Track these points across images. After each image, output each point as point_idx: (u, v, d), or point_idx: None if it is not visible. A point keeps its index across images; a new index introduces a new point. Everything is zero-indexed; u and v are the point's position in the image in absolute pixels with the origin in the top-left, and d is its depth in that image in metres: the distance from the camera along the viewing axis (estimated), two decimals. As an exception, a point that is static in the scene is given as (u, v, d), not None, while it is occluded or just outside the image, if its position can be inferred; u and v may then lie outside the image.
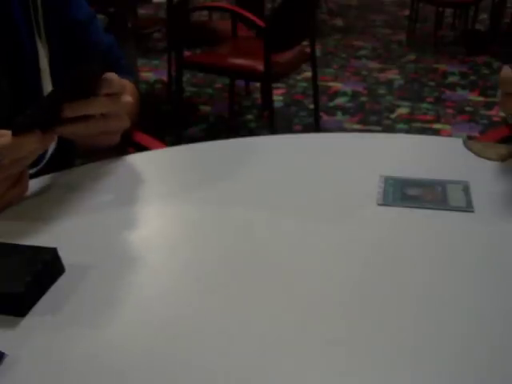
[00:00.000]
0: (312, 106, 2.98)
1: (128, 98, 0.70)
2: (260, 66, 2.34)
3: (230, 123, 3.02)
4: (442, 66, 3.87)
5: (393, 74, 3.75)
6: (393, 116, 3.10)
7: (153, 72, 3.76)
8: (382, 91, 3.46)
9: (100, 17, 1.00)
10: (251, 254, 0.59)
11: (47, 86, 0.87)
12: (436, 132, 2.90)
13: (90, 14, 0.96)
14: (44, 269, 0.53)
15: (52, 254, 0.54)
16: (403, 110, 3.17)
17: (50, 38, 0.88)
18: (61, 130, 0.65)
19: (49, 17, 0.87)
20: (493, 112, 3.12)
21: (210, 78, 3.59)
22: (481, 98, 3.32)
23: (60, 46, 0.90)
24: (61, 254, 0.55)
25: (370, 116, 3.10)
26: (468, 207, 0.66)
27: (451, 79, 3.65)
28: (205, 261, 0.58)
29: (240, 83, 3.24)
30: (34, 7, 0.85)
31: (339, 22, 5.06)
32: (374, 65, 3.95)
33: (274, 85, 3.09)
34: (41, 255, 0.54)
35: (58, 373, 0.44)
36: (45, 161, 0.79)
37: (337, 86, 3.55)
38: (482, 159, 0.77)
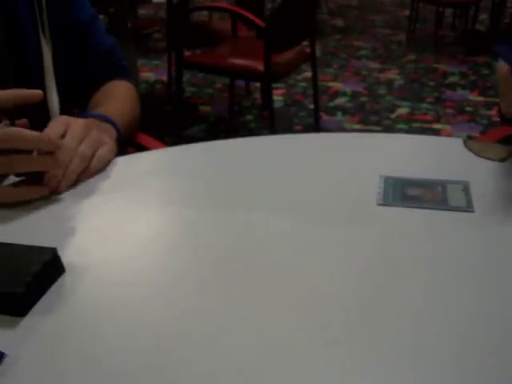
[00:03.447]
0: (312, 106, 2.98)
1: None
2: (260, 66, 2.34)
3: (230, 123, 3.02)
4: (442, 66, 3.87)
5: (393, 74, 3.74)
6: (393, 116, 3.10)
7: (153, 72, 3.76)
8: (381, 91, 3.46)
9: (100, 17, 1.00)
10: (251, 254, 0.59)
11: (50, 85, 0.87)
12: (436, 132, 2.90)
13: (93, 14, 0.96)
14: (44, 269, 0.52)
15: (52, 253, 0.54)
16: (403, 110, 3.17)
17: (53, 38, 0.88)
18: None
19: (53, 16, 0.87)
20: (493, 112, 3.11)
21: (210, 78, 3.59)
22: (481, 98, 3.32)
23: (63, 46, 0.90)
24: (61, 253, 0.55)
25: (370, 116, 3.10)
26: (468, 207, 0.66)
27: (451, 79, 3.65)
28: (205, 261, 0.58)
29: (240, 83, 3.24)
30: (40, 6, 0.85)
31: (339, 22, 5.06)
32: (374, 65, 3.94)
33: (274, 85, 3.09)
34: (41, 255, 0.54)
35: (58, 373, 0.44)
36: None
37: (337, 86, 3.55)
38: (482, 159, 0.77)
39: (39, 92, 0.65)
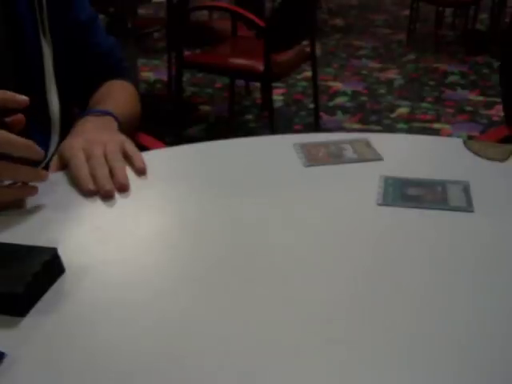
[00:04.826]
0: (312, 106, 2.98)
1: None
2: (260, 66, 2.34)
3: (230, 123, 3.02)
4: (442, 66, 3.87)
5: (393, 74, 3.74)
6: (393, 116, 3.10)
7: (153, 72, 3.76)
8: (382, 91, 3.45)
9: (100, 17, 0.99)
10: (251, 254, 0.59)
11: (50, 85, 0.87)
12: (436, 132, 2.90)
13: (93, 15, 0.96)
14: (44, 269, 0.52)
15: (52, 253, 0.54)
16: (403, 110, 3.17)
17: (54, 38, 0.88)
18: None
19: (53, 17, 0.87)
20: (493, 112, 3.11)
21: (210, 78, 3.58)
22: (481, 98, 3.32)
23: (63, 46, 0.90)
24: (61, 253, 0.55)
25: (370, 116, 3.10)
26: (468, 207, 0.66)
27: (451, 79, 3.64)
28: (205, 261, 0.58)
29: (240, 83, 3.24)
30: (40, 6, 0.85)
31: (339, 22, 5.05)
32: (374, 64, 3.94)
33: (274, 85, 3.08)
34: (41, 255, 0.54)
35: (58, 373, 0.44)
36: (46, 161, 0.78)
37: (337, 85, 3.55)
38: (482, 159, 0.77)
39: (24, 98, 0.62)
